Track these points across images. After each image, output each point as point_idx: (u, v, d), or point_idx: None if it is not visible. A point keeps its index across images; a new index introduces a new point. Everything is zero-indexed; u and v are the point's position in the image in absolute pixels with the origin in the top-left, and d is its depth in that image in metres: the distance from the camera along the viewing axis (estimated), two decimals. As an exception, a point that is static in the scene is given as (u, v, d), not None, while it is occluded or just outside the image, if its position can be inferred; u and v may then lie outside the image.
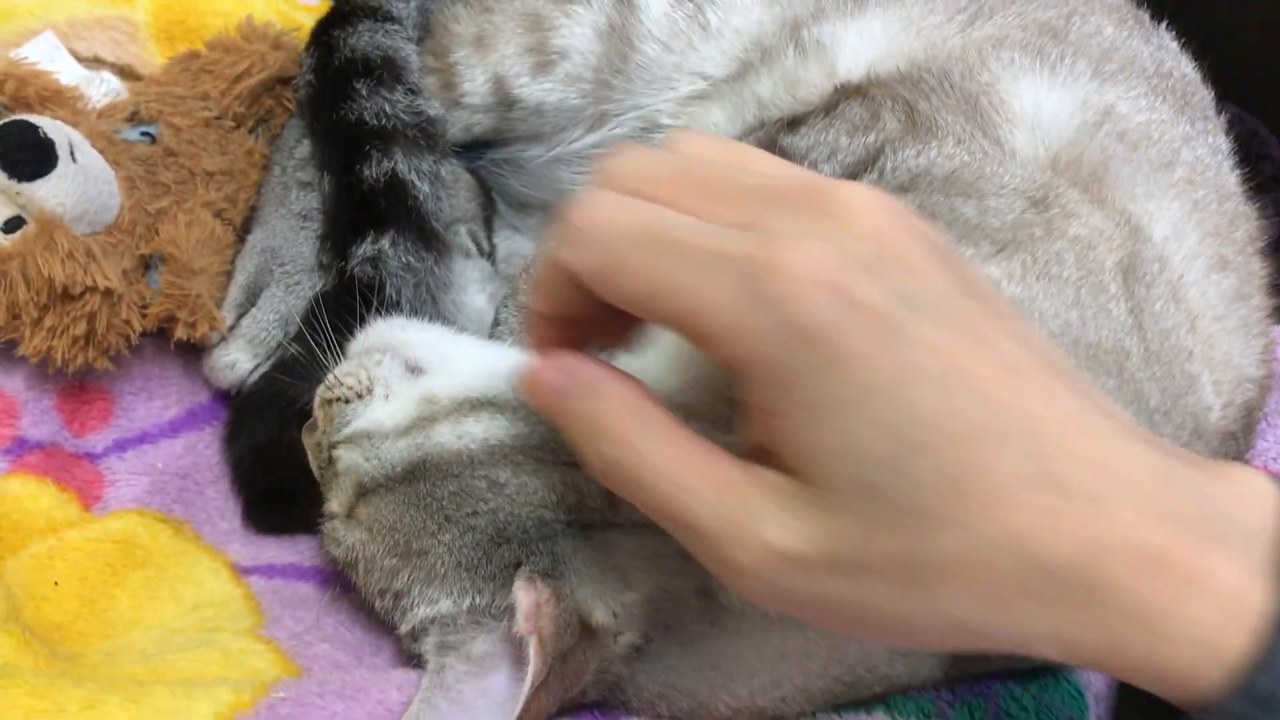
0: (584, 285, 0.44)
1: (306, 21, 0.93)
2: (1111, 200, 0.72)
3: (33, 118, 0.73)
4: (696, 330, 0.41)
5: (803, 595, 0.42)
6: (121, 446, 0.75)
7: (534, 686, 0.53)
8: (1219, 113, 0.90)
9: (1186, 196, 0.76)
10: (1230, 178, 0.84)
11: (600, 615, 0.56)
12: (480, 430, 0.58)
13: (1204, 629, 0.40)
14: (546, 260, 0.46)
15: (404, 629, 0.59)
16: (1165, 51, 0.87)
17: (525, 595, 0.54)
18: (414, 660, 0.60)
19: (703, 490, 0.42)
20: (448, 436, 0.58)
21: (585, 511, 0.57)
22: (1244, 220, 0.81)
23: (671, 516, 0.43)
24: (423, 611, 0.58)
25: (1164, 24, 0.91)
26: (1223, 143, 0.86)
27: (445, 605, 0.57)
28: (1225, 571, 0.41)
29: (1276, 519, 0.42)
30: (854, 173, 0.73)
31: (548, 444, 0.57)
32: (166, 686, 0.54)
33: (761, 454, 0.42)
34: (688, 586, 0.57)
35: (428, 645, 0.58)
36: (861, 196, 0.43)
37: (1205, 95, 0.88)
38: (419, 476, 0.59)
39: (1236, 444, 0.74)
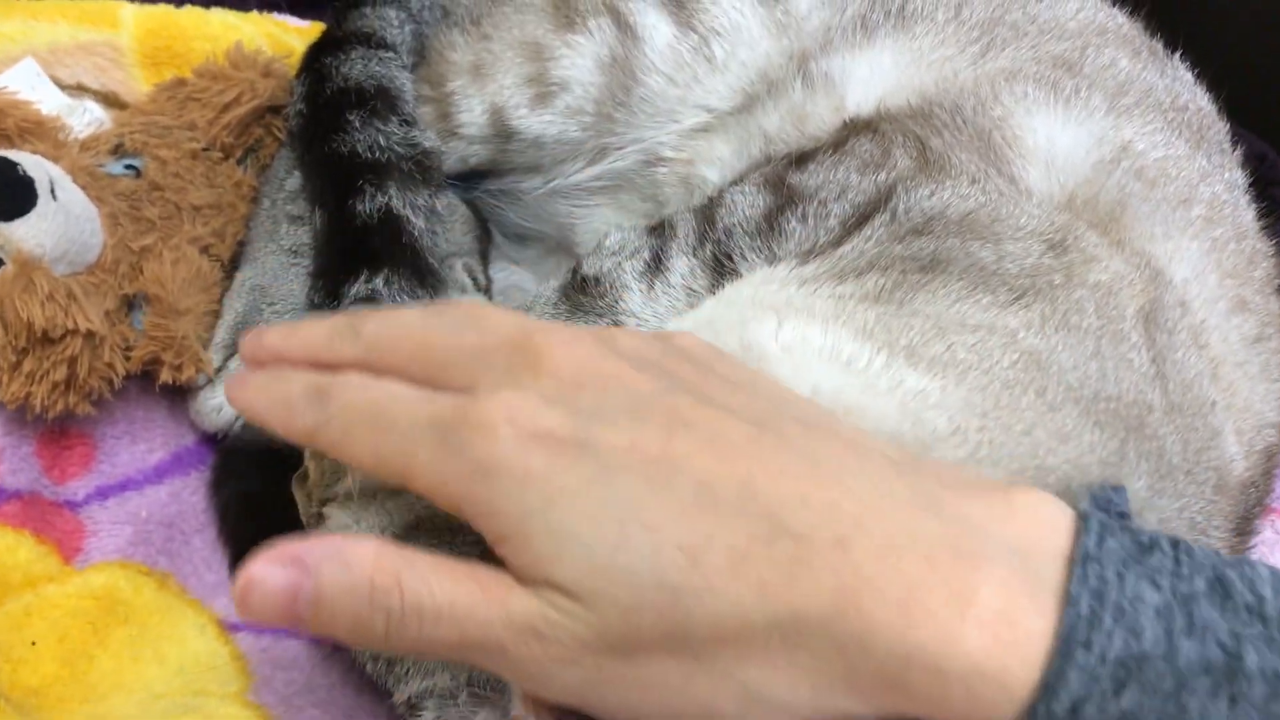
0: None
1: (298, 45, 0.92)
2: (1130, 241, 0.71)
3: (12, 154, 0.71)
4: (414, 486, 0.46)
5: (605, 684, 0.44)
6: (104, 494, 0.73)
7: None
8: (1234, 144, 0.89)
9: (1205, 235, 0.75)
10: (1247, 214, 0.83)
11: None
12: None
13: (979, 657, 0.41)
14: (281, 407, 0.51)
15: (399, 698, 0.57)
16: (1180, 84, 0.86)
17: None
18: None
19: (488, 605, 0.44)
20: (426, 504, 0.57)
21: None
22: (1262, 259, 0.80)
23: (470, 643, 0.45)
24: (418, 684, 0.56)
25: (1178, 54, 0.90)
26: (1239, 177, 0.86)
27: (443, 679, 0.55)
28: (992, 596, 0.42)
29: (1063, 538, 0.44)
30: (866, 213, 0.71)
31: None
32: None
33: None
34: None
35: (426, 716, 0.56)
36: (557, 339, 0.48)
37: (1220, 128, 0.87)
38: (415, 538, 0.56)
39: (1257, 490, 0.73)
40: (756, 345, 0.63)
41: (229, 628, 0.68)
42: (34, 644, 0.63)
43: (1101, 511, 0.46)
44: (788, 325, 0.63)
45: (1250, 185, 1.15)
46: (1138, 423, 0.62)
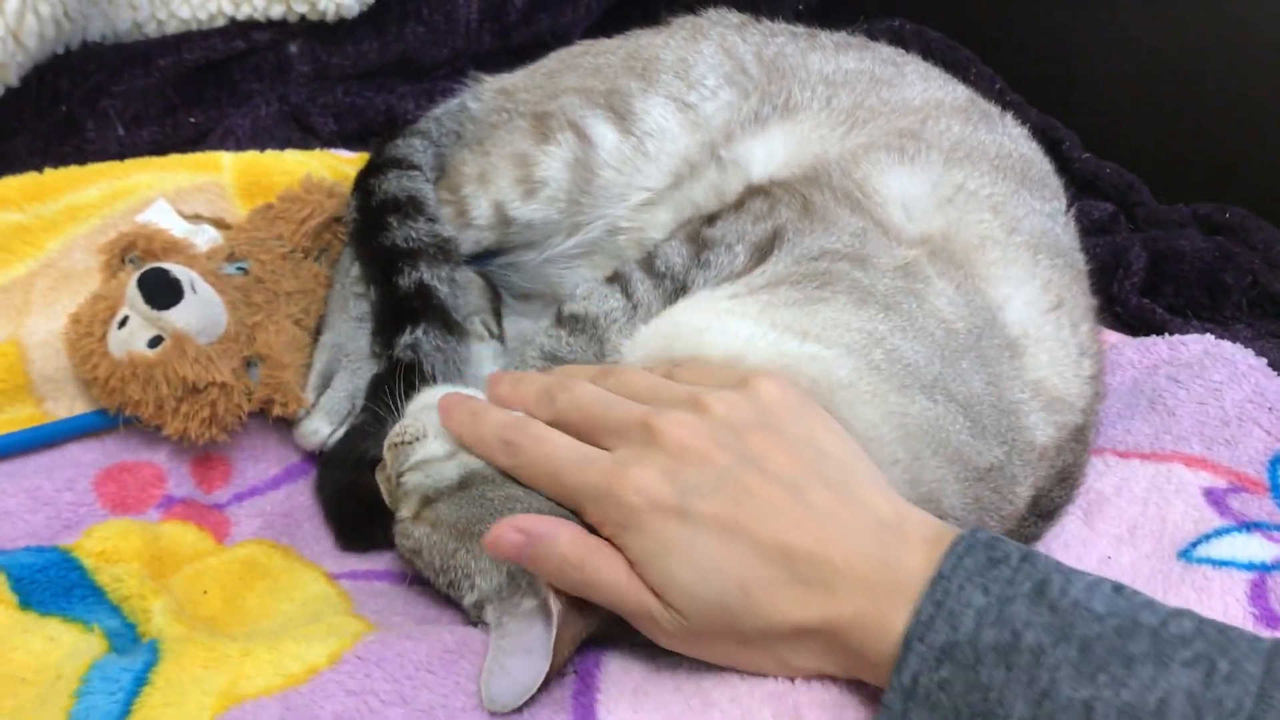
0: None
1: (350, 171, 1.13)
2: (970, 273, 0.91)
3: (163, 264, 0.94)
4: (582, 517, 0.73)
5: (691, 648, 0.71)
6: (240, 498, 0.95)
7: (559, 618, 0.72)
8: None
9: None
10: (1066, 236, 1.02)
11: None
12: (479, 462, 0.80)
13: (885, 647, 0.65)
14: (481, 445, 0.78)
15: (468, 600, 0.78)
16: (1007, 137, 1.06)
17: None
18: (474, 624, 0.79)
19: (632, 595, 0.70)
20: (476, 462, 0.80)
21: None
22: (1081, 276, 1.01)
23: (613, 606, 0.71)
24: (479, 582, 0.77)
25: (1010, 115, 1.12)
26: (1060, 206, 1.04)
27: (496, 576, 0.77)
28: (897, 619, 0.65)
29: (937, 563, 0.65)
30: (764, 249, 0.91)
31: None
32: (293, 638, 0.75)
33: None
34: None
35: (489, 613, 0.77)
36: (670, 421, 0.71)
37: (1043, 167, 1.07)
38: (472, 484, 0.79)
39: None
40: (709, 337, 0.84)
41: (334, 577, 0.89)
42: (205, 592, 0.85)
43: (975, 535, 0.66)
44: (730, 322, 0.84)
45: (1120, 206, 1.38)
46: (965, 402, 0.83)
